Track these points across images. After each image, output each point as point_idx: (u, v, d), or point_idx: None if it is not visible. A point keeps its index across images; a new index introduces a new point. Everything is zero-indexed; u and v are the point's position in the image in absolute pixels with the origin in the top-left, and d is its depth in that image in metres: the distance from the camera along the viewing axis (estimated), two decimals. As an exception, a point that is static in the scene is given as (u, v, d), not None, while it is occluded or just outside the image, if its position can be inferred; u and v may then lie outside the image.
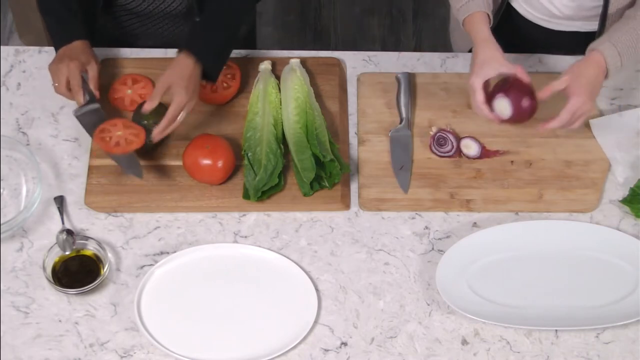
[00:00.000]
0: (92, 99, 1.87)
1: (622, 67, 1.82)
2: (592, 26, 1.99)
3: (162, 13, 2.08)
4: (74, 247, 1.78)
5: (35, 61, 2.04)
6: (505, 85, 1.81)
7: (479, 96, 1.79)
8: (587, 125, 1.95)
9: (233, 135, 1.92)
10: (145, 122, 1.84)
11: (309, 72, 2.01)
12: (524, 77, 1.80)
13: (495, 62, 1.80)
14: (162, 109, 1.81)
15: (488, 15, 1.87)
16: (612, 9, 1.91)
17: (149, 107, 1.81)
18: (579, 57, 1.83)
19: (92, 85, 1.88)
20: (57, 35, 1.91)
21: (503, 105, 1.81)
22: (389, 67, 2.06)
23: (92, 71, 1.88)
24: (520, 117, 1.82)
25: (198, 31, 1.89)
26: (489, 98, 1.82)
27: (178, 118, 1.81)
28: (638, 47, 1.82)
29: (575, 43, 1.86)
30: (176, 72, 1.81)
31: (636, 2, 1.87)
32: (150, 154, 1.90)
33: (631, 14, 1.86)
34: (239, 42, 1.97)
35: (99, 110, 1.87)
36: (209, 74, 1.86)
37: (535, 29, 2.07)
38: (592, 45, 1.83)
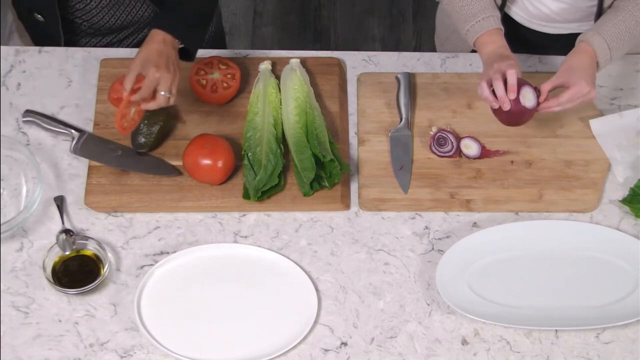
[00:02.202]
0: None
1: (612, 60, 1.82)
2: (589, 27, 1.98)
3: (129, 24, 2.07)
4: (74, 247, 1.78)
5: (35, 61, 2.03)
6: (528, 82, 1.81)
7: (518, 69, 1.77)
8: (587, 125, 1.95)
9: (233, 135, 1.92)
10: (143, 123, 1.85)
11: (309, 72, 2.01)
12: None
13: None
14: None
15: (500, 28, 1.87)
16: (605, 7, 1.90)
17: (126, 87, 1.75)
18: None
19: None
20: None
21: (529, 97, 1.79)
22: (389, 67, 2.06)
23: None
24: (529, 113, 1.80)
25: (165, 9, 1.86)
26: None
27: (162, 94, 1.75)
28: (626, 40, 1.82)
29: (573, 45, 1.86)
30: (145, 49, 1.77)
31: None
32: (150, 153, 1.90)
33: (620, 5, 1.85)
34: (210, 19, 1.95)
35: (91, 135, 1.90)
36: (185, 50, 1.83)
37: (533, 34, 2.07)
38: (581, 37, 1.83)
